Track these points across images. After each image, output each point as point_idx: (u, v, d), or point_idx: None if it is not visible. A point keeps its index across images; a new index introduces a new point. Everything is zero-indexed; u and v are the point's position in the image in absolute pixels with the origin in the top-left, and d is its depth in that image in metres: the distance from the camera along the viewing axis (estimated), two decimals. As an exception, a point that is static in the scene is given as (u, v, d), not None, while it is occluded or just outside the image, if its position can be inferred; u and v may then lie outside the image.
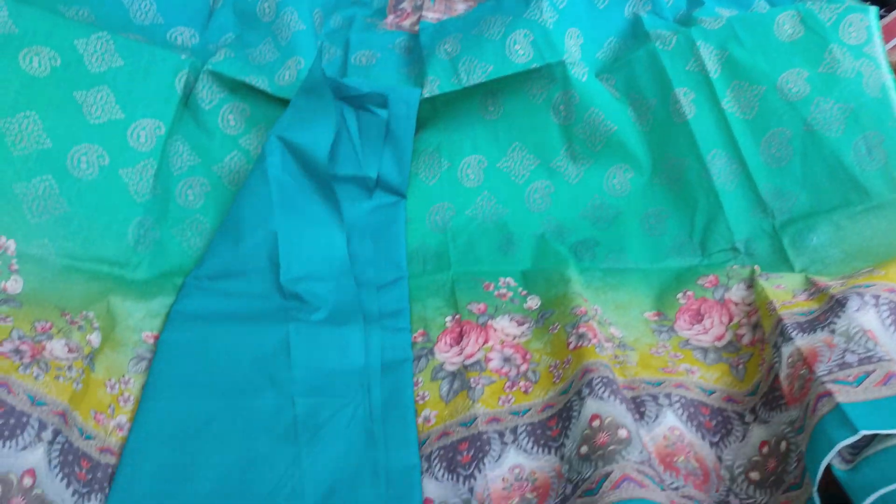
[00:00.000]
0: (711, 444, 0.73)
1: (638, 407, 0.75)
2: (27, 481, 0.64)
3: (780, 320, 0.73)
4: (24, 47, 0.91)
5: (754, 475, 0.69)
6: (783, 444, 0.67)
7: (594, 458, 0.66)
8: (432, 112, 1.10)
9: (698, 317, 0.89)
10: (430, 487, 0.74)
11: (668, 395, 0.76)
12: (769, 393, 0.73)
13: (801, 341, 0.69)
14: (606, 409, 0.70)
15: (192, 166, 1.04)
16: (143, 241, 0.96)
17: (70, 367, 0.76)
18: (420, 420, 0.81)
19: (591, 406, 0.71)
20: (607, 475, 0.63)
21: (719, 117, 1.02)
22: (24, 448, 0.65)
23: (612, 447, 0.65)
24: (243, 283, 0.91)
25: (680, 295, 0.92)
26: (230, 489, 0.73)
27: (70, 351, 0.78)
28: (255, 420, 0.79)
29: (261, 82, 1.06)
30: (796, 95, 0.98)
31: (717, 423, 0.75)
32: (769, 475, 0.67)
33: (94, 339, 0.82)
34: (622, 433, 0.66)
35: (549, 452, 0.73)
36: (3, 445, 0.64)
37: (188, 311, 0.89)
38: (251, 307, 0.89)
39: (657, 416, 0.74)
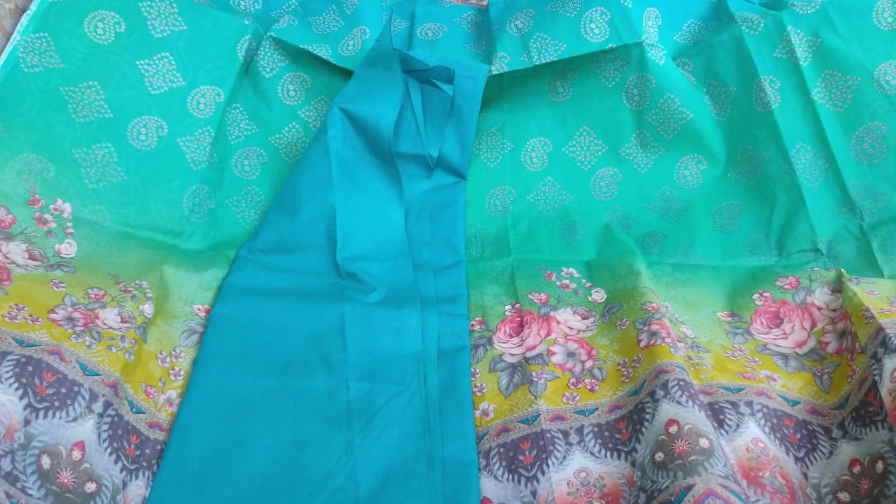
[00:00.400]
0: (797, 460, 0.68)
1: (716, 414, 0.70)
2: (76, 454, 0.62)
3: (880, 329, 0.67)
4: (90, 11, 0.89)
5: (844, 496, 0.63)
6: (880, 465, 0.62)
7: (672, 468, 0.61)
8: (498, 90, 1.06)
9: (777, 320, 0.83)
10: (489, 487, 0.70)
11: (749, 404, 0.71)
12: (861, 407, 0.68)
13: (910, 354, 0.63)
14: (685, 414, 0.65)
15: (250, 136, 1.02)
16: (198, 211, 0.94)
17: (123, 338, 0.73)
18: (478, 413, 0.77)
19: (667, 410, 0.66)
20: (689, 488, 0.58)
21: (807, 109, 0.95)
22: (75, 419, 0.63)
23: (693, 457, 0.60)
24: (298, 259, 0.89)
25: (756, 296, 0.87)
26: (281, 473, 0.70)
27: (123, 321, 0.76)
28: (307, 401, 0.76)
29: (324, 51, 1.02)
30: (894, 89, 0.91)
31: (802, 436, 0.69)
32: (862, 497, 0.62)
33: (147, 309, 0.79)
34: (704, 443, 0.61)
35: (619, 457, 0.68)
36: (54, 416, 0.62)
37: (240, 284, 0.86)
38: (305, 284, 0.87)
39: (738, 426, 0.69)
